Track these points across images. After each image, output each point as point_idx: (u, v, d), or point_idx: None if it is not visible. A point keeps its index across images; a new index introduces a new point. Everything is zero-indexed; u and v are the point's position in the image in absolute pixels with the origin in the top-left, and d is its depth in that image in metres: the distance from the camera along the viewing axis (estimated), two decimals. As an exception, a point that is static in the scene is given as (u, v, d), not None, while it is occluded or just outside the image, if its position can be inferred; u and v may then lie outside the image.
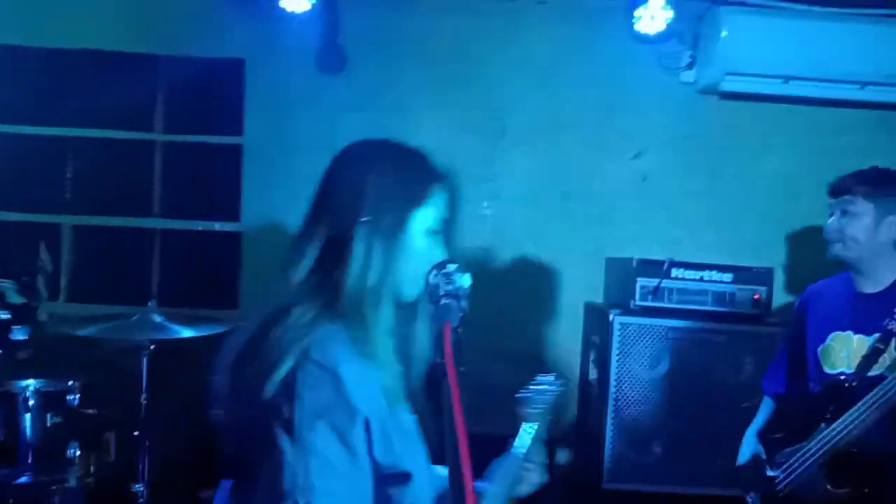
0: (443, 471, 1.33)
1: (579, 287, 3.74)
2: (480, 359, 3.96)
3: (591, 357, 3.53)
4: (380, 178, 1.28)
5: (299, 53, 3.70)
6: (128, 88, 3.69)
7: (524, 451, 1.59)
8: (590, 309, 3.65)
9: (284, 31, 3.64)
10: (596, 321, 3.46)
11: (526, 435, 1.60)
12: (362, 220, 1.22)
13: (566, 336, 3.74)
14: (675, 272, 3.20)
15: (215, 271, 3.77)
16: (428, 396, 1.32)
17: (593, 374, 3.47)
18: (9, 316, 0.74)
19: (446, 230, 1.33)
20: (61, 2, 3.68)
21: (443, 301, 1.14)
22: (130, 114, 3.74)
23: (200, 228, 3.78)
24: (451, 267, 1.19)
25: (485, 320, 3.63)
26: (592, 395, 3.43)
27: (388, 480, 1.20)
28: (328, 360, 1.15)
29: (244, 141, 3.78)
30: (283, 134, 3.77)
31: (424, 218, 1.29)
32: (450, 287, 1.16)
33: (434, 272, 1.21)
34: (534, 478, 1.56)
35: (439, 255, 1.29)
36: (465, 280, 1.19)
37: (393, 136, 4.04)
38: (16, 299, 0.78)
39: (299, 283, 1.23)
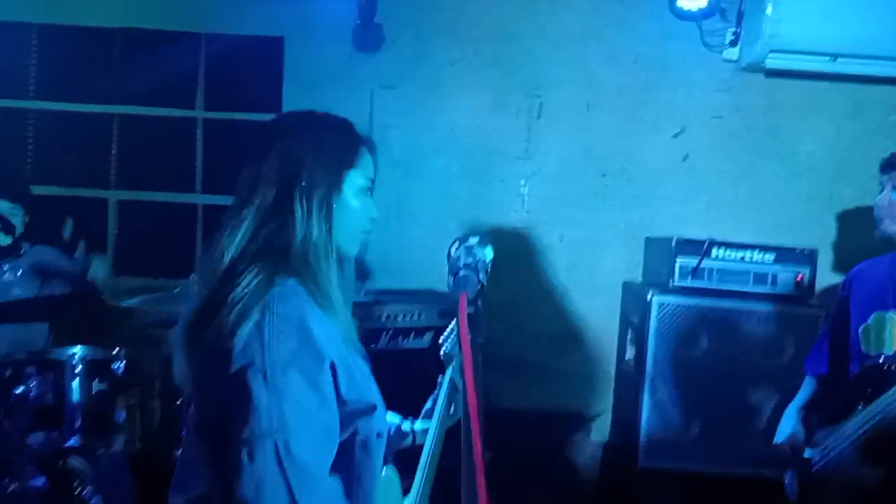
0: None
1: (617, 266, 3.72)
2: (517, 338, 3.99)
3: (629, 336, 3.51)
4: (313, 144, 1.37)
5: (337, 32, 3.73)
6: (170, 66, 3.76)
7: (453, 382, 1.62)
8: (628, 288, 3.63)
9: (322, 10, 3.68)
10: (634, 301, 3.44)
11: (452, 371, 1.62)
12: (301, 185, 1.32)
13: (603, 315, 3.73)
14: (715, 252, 3.16)
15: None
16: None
17: (630, 353, 3.45)
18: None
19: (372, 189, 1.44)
20: (106, -19, 3.77)
21: (461, 272, 1.18)
22: (173, 91, 3.82)
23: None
24: (473, 240, 1.23)
25: (521, 300, 3.67)
26: (629, 374, 3.41)
27: (355, 414, 1.31)
28: (291, 312, 1.24)
29: (283, 118, 3.82)
30: (319, 111, 3.79)
31: (355, 178, 1.39)
32: (470, 260, 1.20)
33: (456, 245, 1.26)
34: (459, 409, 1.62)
35: (372, 211, 1.41)
36: (487, 253, 1.22)
37: (429, 114, 4.06)
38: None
39: (240, 249, 1.31)
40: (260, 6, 3.73)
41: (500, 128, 3.74)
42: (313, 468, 1.20)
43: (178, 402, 2.93)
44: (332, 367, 1.26)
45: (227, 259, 1.30)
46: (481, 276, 1.18)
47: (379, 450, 1.37)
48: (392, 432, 1.56)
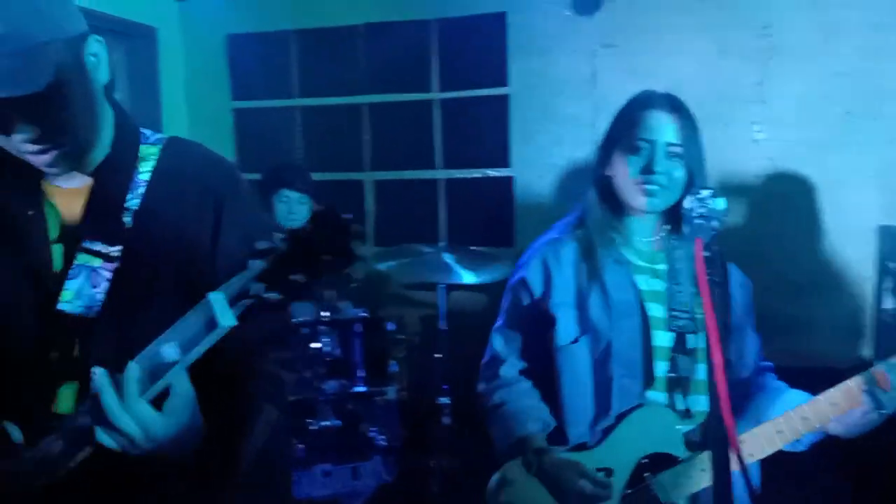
0: None
1: (870, 210, 3.47)
2: (757, 289, 3.85)
3: (887, 284, 3.28)
4: None
5: (555, -2, 3.83)
6: (407, 54, 4.13)
7: None
8: (886, 232, 3.37)
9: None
10: (892, 245, 3.21)
11: None
12: None
13: (856, 262, 3.51)
14: None
15: (492, 214, 4.13)
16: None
17: (889, 302, 3.24)
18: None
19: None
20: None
21: (695, 221, 1.29)
22: (410, 76, 4.20)
23: (478, 175, 4.16)
24: (705, 193, 1.32)
25: (762, 249, 3.56)
26: (889, 324, 3.20)
27: None
28: None
29: (509, 90, 4.04)
30: (543, 79, 3.95)
31: None
32: (703, 210, 1.30)
33: (689, 198, 1.35)
34: None
35: None
36: (719, 203, 1.31)
37: (652, 67, 3.97)
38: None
39: None
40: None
41: (730, 72, 3.62)
42: None
43: (435, 356, 3.32)
44: None
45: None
46: (714, 223, 1.29)
47: None
48: None
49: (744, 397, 1.71)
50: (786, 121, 3.59)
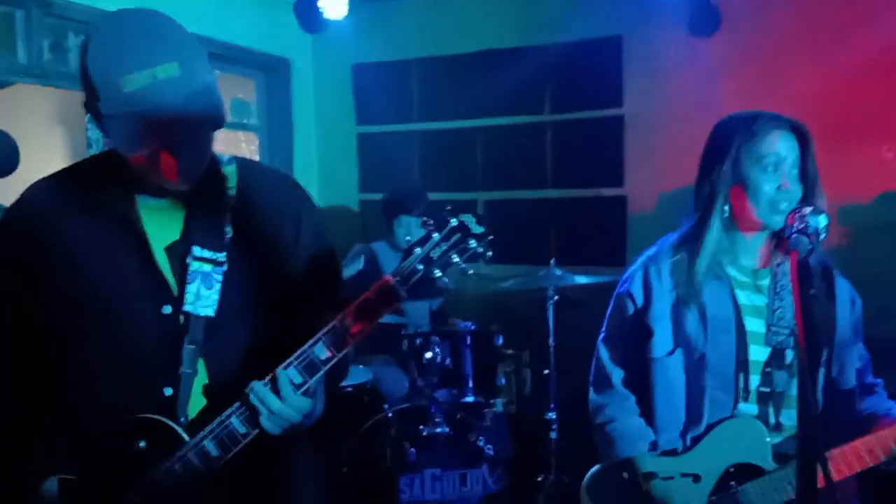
0: None
1: None
2: (873, 310, 3.62)
3: None
4: None
5: (672, 20, 3.83)
6: (521, 78, 4.25)
7: None
8: None
9: (656, 2, 3.82)
10: None
11: None
12: None
13: None
14: None
15: (604, 233, 4.16)
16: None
17: None
18: (475, 245, 1.03)
19: None
20: (464, 14, 4.40)
21: (793, 236, 1.37)
22: (524, 100, 4.32)
23: (590, 195, 4.21)
24: (807, 210, 1.41)
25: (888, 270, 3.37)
26: None
27: None
28: None
29: (624, 111, 4.07)
30: (659, 101, 3.96)
31: None
32: (801, 225, 1.40)
33: (791, 215, 1.46)
34: None
35: None
36: (819, 221, 1.41)
37: (772, 90, 3.87)
38: (477, 229, 1.12)
39: None
40: (598, 10, 4.02)
41: (859, 94, 3.49)
42: None
43: (545, 372, 3.38)
44: None
45: None
46: (812, 239, 1.36)
47: None
48: None
49: (847, 413, 1.70)
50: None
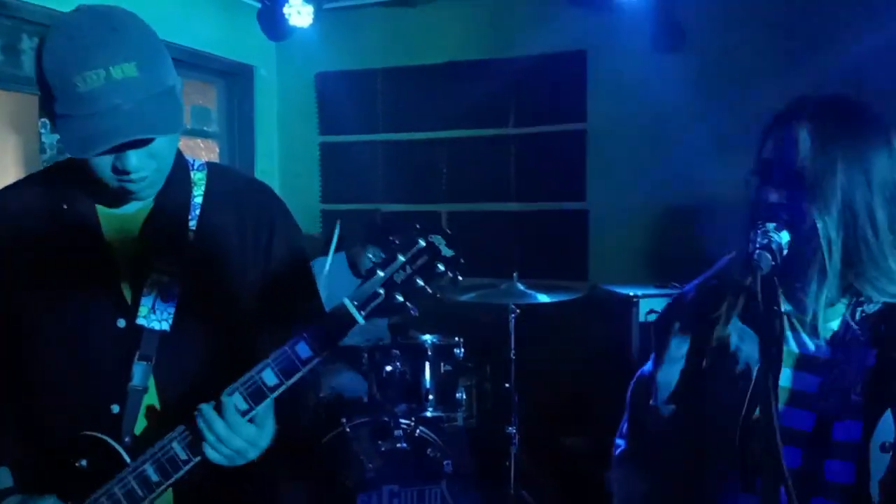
0: None
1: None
2: None
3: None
4: None
5: (636, 36, 3.87)
6: (486, 91, 4.26)
7: None
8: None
9: (620, 18, 3.86)
10: None
11: None
12: None
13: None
14: None
15: (566, 246, 4.17)
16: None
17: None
18: (444, 269, 0.99)
19: None
20: (430, 25, 4.39)
21: (756, 252, 1.30)
22: (488, 112, 4.32)
23: (553, 208, 4.21)
24: (770, 226, 1.34)
25: None
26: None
27: None
28: None
29: (588, 126, 4.09)
30: (622, 116, 3.99)
31: None
32: (764, 241, 1.31)
33: (754, 231, 1.37)
34: None
35: None
36: (782, 237, 1.32)
37: (734, 107, 3.92)
38: (447, 252, 1.06)
39: None
40: (563, 25, 4.04)
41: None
42: None
43: (506, 385, 3.35)
44: None
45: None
46: (775, 256, 1.28)
47: None
48: None
49: None
50: None
